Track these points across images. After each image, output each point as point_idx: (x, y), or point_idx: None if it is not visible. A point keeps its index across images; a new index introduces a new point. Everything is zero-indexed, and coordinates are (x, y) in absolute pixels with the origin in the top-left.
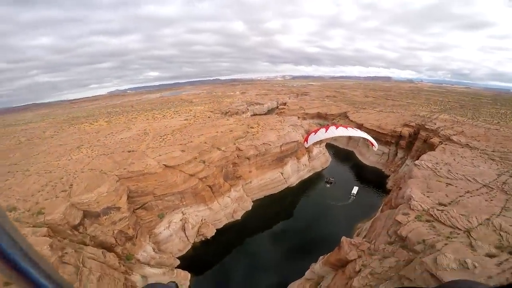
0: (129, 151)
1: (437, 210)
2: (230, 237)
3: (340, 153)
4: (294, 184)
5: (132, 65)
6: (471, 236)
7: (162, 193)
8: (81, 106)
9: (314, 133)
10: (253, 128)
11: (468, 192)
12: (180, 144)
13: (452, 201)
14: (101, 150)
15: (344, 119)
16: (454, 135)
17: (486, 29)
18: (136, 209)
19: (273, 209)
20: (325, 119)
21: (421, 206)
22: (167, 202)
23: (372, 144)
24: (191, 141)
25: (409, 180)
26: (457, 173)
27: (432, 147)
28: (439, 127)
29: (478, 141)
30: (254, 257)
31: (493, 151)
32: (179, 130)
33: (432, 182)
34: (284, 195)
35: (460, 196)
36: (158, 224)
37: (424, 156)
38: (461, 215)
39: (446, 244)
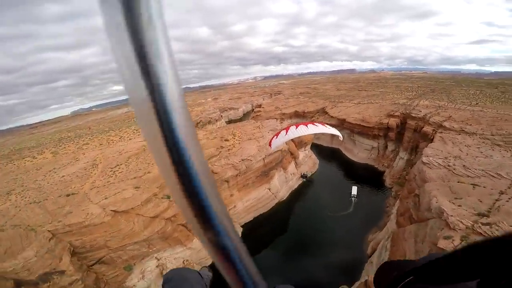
0: (67, 195)
1: (483, 225)
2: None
3: (325, 152)
4: (285, 197)
5: (93, 81)
6: None
7: (118, 245)
8: (41, 130)
9: (275, 137)
10: (228, 141)
11: (502, 193)
12: (135, 178)
13: (491, 208)
14: (34, 195)
15: (323, 115)
16: (444, 121)
17: (432, 18)
18: (91, 266)
19: (265, 230)
20: (303, 117)
21: (461, 222)
22: (131, 252)
23: (339, 136)
24: (149, 172)
25: (426, 185)
26: (475, 169)
27: (426, 137)
28: (426, 114)
29: (470, 125)
30: None
31: (493, 135)
32: (136, 156)
33: (454, 185)
34: (275, 212)
35: (496, 200)
36: (128, 277)
37: (428, 151)
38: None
39: None
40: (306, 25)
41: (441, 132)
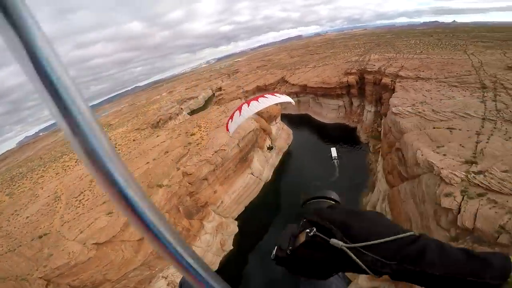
0: (40, 237)
1: (476, 174)
2: (232, 271)
3: (295, 120)
4: (270, 177)
5: (25, 104)
6: None
7: (118, 276)
8: None
9: (231, 120)
10: (194, 134)
11: (478, 133)
12: (104, 203)
13: (475, 153)
14: (5, 243)
15: (284, 84)
16: (399, 71)
17: None
18: None
19: (260, 216)
20: (266, 90)
21: (455, 175)
22: (135, 278)
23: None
24: None
25: (404, 136)
26: (444, 112)
27: (387, 88)
28: (380, 67)
29: (423, 71)
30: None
31: (446, 78)
32: None
33: (431, 132)
34: (265, 195)
35: (477, 143)
36: None
37: (394, 101)
38: (504, 171)
39: None
40: None
41: (400, 82)
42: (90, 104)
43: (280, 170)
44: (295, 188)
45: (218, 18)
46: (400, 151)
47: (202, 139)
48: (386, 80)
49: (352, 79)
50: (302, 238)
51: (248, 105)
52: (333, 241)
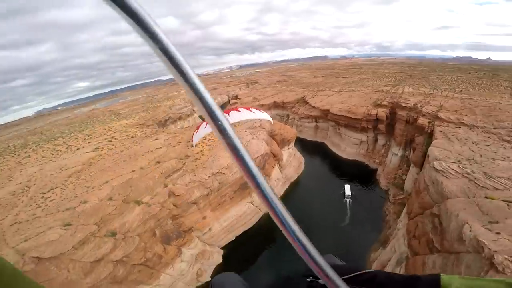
0: None
1: None
2: None
3: (309, 147)
4: None
5: (53, 79)
6: None
7: None
8: (1, 134)
9: (196, 130)
10: (196, 146)
11: None
12: (67, 210)
13: None
14: None
15: (304, 105)
16: (438, 111)
17: (396, 3)
18: None
19: (250, 248)
20: (283, 108)
21: (511, 262)
22: None
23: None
24: (86, 201)
25: (447, 202)
26: (499, 177)
27: (422, 130)
28: (416, 103)
29: (466, 115)
30: None
31: (496, 128)
32: (77, 175)
33: (482, 202)
34: (260, 227)
35: None
36: None
37: (435, 152)
38: None
39: None
40: (278, 11)
41: (440, 126)
42: (112, 89)
43: (284, 201)
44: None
45: (247, 26)
46: (437, 218)
47: (203, 154)
48: (422, 120)
49: (382, 112)
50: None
51: None
52: (320, 281)
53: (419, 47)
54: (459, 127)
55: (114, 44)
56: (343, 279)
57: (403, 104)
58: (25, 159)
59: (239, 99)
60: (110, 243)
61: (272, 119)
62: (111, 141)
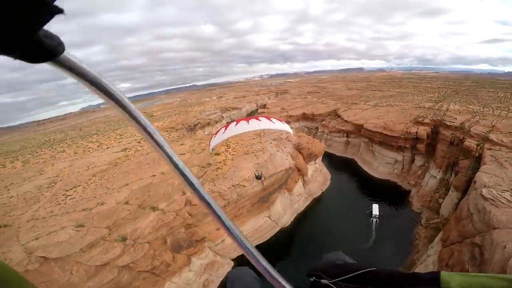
0: None
1: None
2: None
3: (338, 163)
4: (288, 223)
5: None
6: None
7: None
8: (47, 127)
9: (214, 136)
10: (218, 155)
11: None
12: (83, 210)
13: None
14: None
15: (335, 118)
16: (489, 132)
17: (443, 16)
18: None
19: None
20: (312, 121)
21: None
22: None
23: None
24: (103, 203)
25: (494, 233)
26: None
27: (469, 153)
28: (463, 123)
29: None
30: None
31: None
32: (102, 174)
33: None
34: (275, 241)
35: None
36: None
37: (483, 178)
38: None
39: None
40: (313, 22)
41: (490, 149)
42: (151, 91)
43: (303, 217)
44: (313, 240)
45: (279, 36)
46: (478, 248)
47: (225, 164)
48: (470, 142)
49: (422, 131)
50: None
51: (236, 124)
52: (323, 281)
53: (465, 61)
54: None
55: (156, 48)
56: (344, 279)
57: (448, 123)
58: (60, 153)
59: (267, 108)
60: (119, 248)
61: (300, 131)
62: (139, 142)
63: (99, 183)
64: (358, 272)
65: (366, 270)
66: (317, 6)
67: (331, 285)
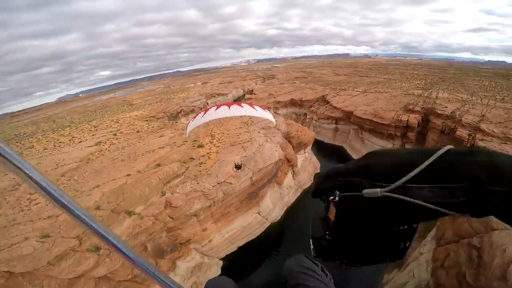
0: None
1: None
2: None
3: (326, 150)
4: (279, 218)
5: (77, 67)
6: None
7: None
8: (21, 119)
9: (193, 119)
10: (202, 147)
11: None
12: (48, 218)
13: None
14: None
15: (324, 104)
16: (479, 122)
17: (430, 3)
18: None
19: (253, 259)
20: (301, 107)
21: None
22: None
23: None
24: None
25: (493, 234)
26: None
27: (461, 143)
28: (454, 111)
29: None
30: None
31: None
32: (72, 174)
33: None
34: (266, 235)
35: None
36: None
37: None
38: None
39: None
40: (300, 7)
41: (482, 139)
42: (133, 78)
43: (294, 210)
44: (304, 233)
45: (267, 21)
46: (476, 250)
47: (209, 158)
48: (461, 132)
49: (414, 119)
50: (332, 214)
51: (217, 108)
52: (366, 191)
53: (448, 49)
54: (505, 143)
55: (137, 34)
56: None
57: (439, 111)
58: (28, 149)
59: (255, 94)
60: (93, 259)
61: (289, 117)
62: (115, 134)
63: (67, 185)
64: (434, 158)
65: (440, 151)
66: None
67: (395, 196)
